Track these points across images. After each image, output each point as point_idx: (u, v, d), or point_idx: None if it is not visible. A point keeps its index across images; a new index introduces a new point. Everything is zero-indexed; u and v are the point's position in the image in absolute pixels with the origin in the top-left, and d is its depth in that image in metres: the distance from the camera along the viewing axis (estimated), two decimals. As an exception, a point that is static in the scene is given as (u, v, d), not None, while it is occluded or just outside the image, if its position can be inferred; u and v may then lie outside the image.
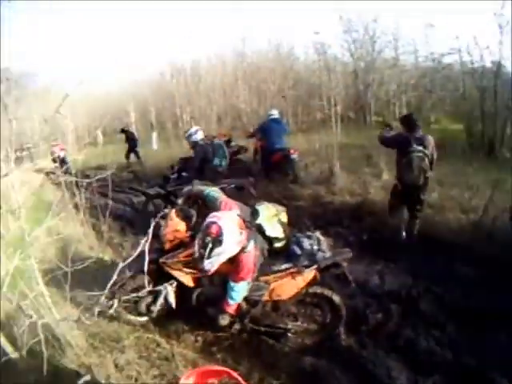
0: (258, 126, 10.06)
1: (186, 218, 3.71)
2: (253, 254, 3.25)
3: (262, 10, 35.30)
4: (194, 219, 3.67)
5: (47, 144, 13.54)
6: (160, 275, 3.61)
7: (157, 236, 3.84)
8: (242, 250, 3.21)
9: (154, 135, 17.19)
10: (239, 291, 3.31)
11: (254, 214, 3.62)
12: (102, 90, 24.55)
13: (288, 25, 34.16)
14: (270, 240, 3.58)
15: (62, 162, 11.28)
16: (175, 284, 3.58)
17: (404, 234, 5.71)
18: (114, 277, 2.67)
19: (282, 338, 3.62)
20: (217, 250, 3.06)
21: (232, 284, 3.27)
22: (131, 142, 14.93)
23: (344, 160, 8.70)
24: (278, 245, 3.63)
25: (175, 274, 3.50)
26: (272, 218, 3.66)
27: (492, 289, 4.33)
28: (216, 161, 6.84)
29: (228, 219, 3.15)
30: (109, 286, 2.77)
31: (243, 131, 14.15)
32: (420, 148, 5.18)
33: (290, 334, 3.61)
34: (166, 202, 6.60)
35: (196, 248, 3.16)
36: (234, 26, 36.07)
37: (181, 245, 3.55)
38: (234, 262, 3.23)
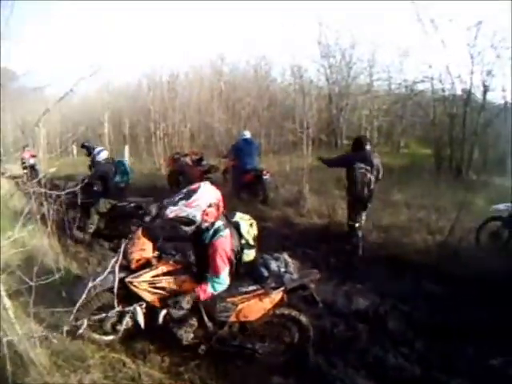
0: (232, 146, 10.12)
1: (152, 237, 3.67)
2: (229, 241, 3.31)
3: (241, 27, 35.43)
4: (161, 240, 3.66)
5: (18, 150, 13.18)
6: (125, 294, 3.55)
7: (124, 254, 3.85)
8: (216, 232, 3.30)
9: (126, 149, 17.00)
10: (221, 283, 3.31)
11: (231, 215, 3.63)
12: (77, 95, 24.20)
13: (267, 45, 34.37)
14: (240, 246, 3.50)
15: (32, 169, 11.13)
16: (144, 305, 3.53)
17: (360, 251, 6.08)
18: (83, 296, 2.76)
19: (250, 359, 3.59)
20: (184, 202, 3.26)
21: (213, 277, 3.28)
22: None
23: (313, 182, 8.80)
24: (247, 253, 3.54)
25: (141, 293, 3.45)
26: (247, 222, 3.64)
27: (458, 305, 4.50)
28: (117, 178, 7.23)
29: (211, 191, 3.39)
30: (77, 306, 2.85)
31: (215, 150, 14.19)
32: (362, 165, 5.89)
33: (257, 355, 3.58)
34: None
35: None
36: (213, 41, 35.96)
37: (147, 264, 3.53)
38: (209, 254, 3.29)
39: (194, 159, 11.10)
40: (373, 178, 5.95)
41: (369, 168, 5.90)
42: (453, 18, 13.00)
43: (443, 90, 13.78)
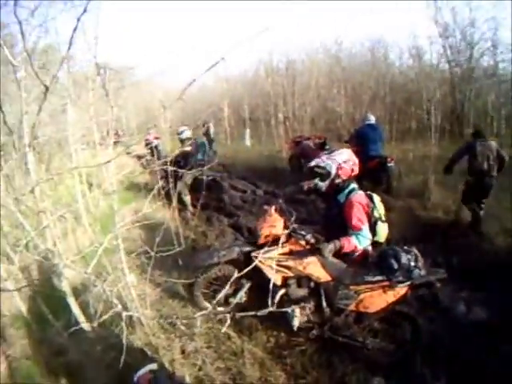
0: (354, 131, 9.96)
1: (285, 215, 3.79)
2: (365, 199, 3.57)
3: (355, 10, 34.50)
4: (293, 218, 3.72)
5: (142, 132, 14.32)
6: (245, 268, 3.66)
7: (253, 230, 4.24)
8: (351, 192, 3.59)
9: (247, 132, 17.77)
10: (365, 236, 3.47)
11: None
12: (196, 84, 25.46)
13: (382, 26, 33.18)
14: (374, 217, 3.62)
15: (156, 149, 12.20)
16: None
17: None
18: (227, 287, 2.68)
19: (357, 353, 3.56)
20: (326, 156, 3.69)
21: (356, 231, 3.44)
22: (209, 136, 15.12)
23: (439, 174, 8.22)
24: (380, 226, 3.65)
25: (265, 270, 3.52)
26: (378, 198, 3.77)
27: None
28: (199, 155, 8.00)
29: (350, 153, 3.72)
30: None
31: (337, 134, 14.21)
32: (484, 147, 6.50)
33: (366, 350, 3.55)
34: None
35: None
36: (327, 27, 35.48)
37: (275, 241, 3.55)
38: (346, 212, 3.52)
39: (317, 143, 11.05)
40: (496, 166, 6.43)
41: (491, 154, 6.43)
42: None
43: None
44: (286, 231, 3.63)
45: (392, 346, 3.58)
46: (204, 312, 3.15)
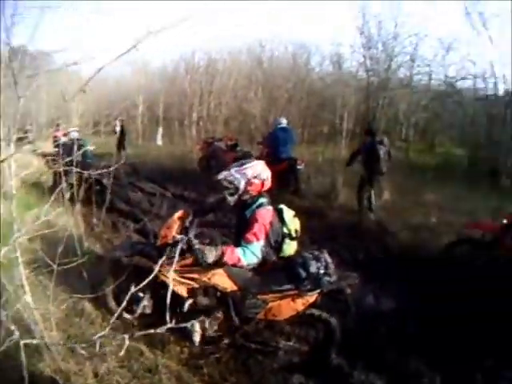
0: (268, 133, 9.99)
1: (184, 221, 3.64)
2: (271, 215, 3.34)
3: (279, 13, 35.06)
4: (189, 225, 3.60)
5: (51, 128, 13.42)
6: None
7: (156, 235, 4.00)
8: (260, 206, 3.35)
9: (160, 131, 17.24)
10: (254, 251, 3.25)
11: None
12: (113, 77, 24.39)
13: (306, 33, 33.99)
14: (282, 234, 3.49)
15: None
16: (206, 320, 3.46)
17: None
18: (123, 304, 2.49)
19: (272, 355, 3.50)
20: (235, 168, 3.44)
21: (247, 244, 3.25)
22: (123, 133, 14.83)
23: (347, 176, 8.64)
24: (288, 243, 3.50)
25: (169, 282, 3.24)
26: (290, 212, 3.62)
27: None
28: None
29: (262, 166, 3.50)
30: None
31: (250, 136, 14.19)
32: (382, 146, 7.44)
33: (280, 353, 3.49)
34: None
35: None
36: (252, 28, 35.77)
37: (174, 245, 3.38)
38: (249, 221, 3.32)
39: (229, 144, 11.02)
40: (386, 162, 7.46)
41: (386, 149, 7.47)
42: (501, 14, 12.62)
43: (485, 89, 13.43)
44: (180, 236, 3.39)
45: (306, 346, 3.53)
46: (103, 333, 2.71)
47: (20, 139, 3.79)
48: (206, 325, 3.39)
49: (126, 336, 2.07)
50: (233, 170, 3.47)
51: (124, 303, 2.24)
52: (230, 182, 3.43)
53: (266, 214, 3.33)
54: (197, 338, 3.38)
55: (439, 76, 17.00)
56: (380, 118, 16.21)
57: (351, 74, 18.16)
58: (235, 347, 3.53)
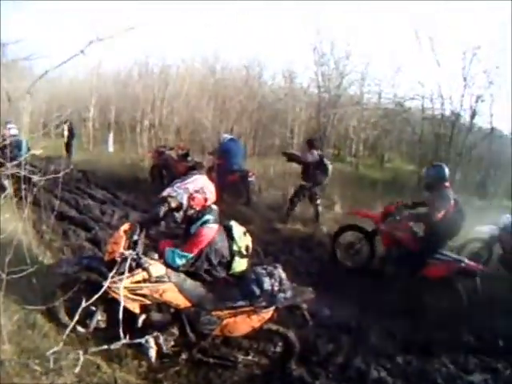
0: (219, 144, 9.98)
1: (132, 235, 3.52)
2: (212, 234, 3.36)
3: (236, 26, 35.26)
4: (137, 239, 3.48)
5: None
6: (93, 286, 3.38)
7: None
8: (205, 223, 3.37)
9: (111, 137, 16.79)
10: (182, 258, 3.34)
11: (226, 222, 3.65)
12: (66, 76, 23.65)
13: (259, 47, 34.36)
14: (231, 252, 3.51)
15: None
16: (160, 336, 3.41)
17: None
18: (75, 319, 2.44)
19: (232, 368, 3.50)
20: (178, 184, 3.48)
21: (180, 252, 3.32)
22: (71, 137, 14.56)
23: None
24: (238, 261, 3.53)
25: (121, 300, 3.10)
26: (240, 228, 3.65)
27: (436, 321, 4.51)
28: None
29: (204, 181, 3.57)
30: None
31: (201, 146, 14.09)
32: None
33: (239, 366, 3.49)
34: None
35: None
36: (207, 37, 35.87)
37: (115, 260, 3.35)
38: (192, 234, 3.37)
39: (180, 154, 10.89)
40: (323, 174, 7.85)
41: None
42: (450, 39, 13.17)
43: (432, 109, 14.03)
44: (127, 252, 3.31)
45: (265, 360, 3.57)
46: (56, 349, 2.59)
47: None
48: (161, 341, 3.33)
49: (81, 352, 2.11)
50: (175, 186, 3.49)
51: (76, 318, 2.28)
52: (173, 198, 3.42)
53: (207, 232, 3.37)
54: (152, 353, 3.31)
55: (389, 95, 17.59)
56: (330, 133, 16.53)
57: (303, 90, 18.42)
58: (194, 362, 3.49)
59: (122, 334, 2.38)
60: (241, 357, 3.48)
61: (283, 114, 17.44)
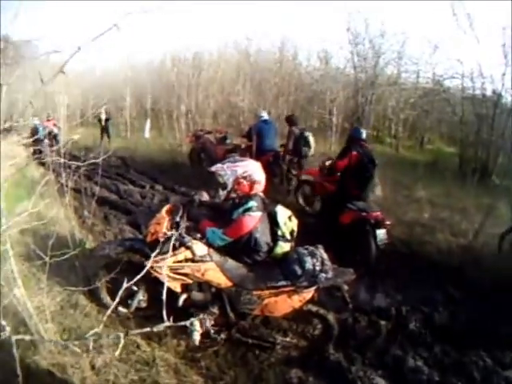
0: (251, 126, 9.99)
1: (173, 216, 3.59)
2: (253, 223, 3.37)
3: (269, 8, 34.88)
4: (180, 219, 3.55)
5: (38, 118, 13.22)
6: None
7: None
8: (247, 210, 3.37)
9: (148, 123, 17.01)
10: (222, 241, 3.39)
11: (272, 206, 3.64)
12: (99, 70, 24.09)
13: (293, 28, 33.89)
14: (275, 236, 3.53)
15: (54, 139, 11.18)
16: (206, 317, 3.47)
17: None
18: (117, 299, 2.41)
19: (269, 349, 3.53)
20: (228, 164, 3.52)
21: (220, 234, 3.38)
22: (107, 121, 15.21)
23: None
24: (281, 245, 3.54)
25: (162, 278, 3.27)
26: (286, 213, 3.63)
27: (477, 313, 4.37)
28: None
29: (255, 167, 3.56)
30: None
31: (238, 130, 14.08)
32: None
33: (277, 347, 3.51)
34: None
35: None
36: (239, 22, 35.64)
37: (158, 241, 3.41)
38: (233, 220, 3.40)
39: (218, 137, 10.99)
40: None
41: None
42: (489, 15, 12.57)
43: (473, 89, 13.40)
44: (170, 232, 3.39)
45: (303, 342, 3.61)
46: (96, 330, 2.61)
47: (6, 130, 3.73)
48: (207, 323, 3.37)
49: (121, 334, 2.07)
50: (225, 165, 3.51)
51: (118, 298, 2.21)
52: (221, 176, 3.49)
53: (248, 221, 3.36)
54: (197, 336, 3.35)
55: (427, 74, 16.96)
56: (369, 113, 16.22)
57: (339, 70, 18.05)
58: (232, 342, 3.54)
59: (165, 316, 2.36)
60: (279, 338, 3.51)
61: (320, 95, 17.12)
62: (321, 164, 7.09)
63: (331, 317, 3.45)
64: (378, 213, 5.51)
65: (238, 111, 16.30)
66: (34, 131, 10.99)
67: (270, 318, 3.50)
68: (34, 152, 7.40)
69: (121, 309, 3.74)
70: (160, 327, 2.39)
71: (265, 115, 9.38)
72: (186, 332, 3.40)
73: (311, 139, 8.28)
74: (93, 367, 3.11)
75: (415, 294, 4.74)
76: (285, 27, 33.59)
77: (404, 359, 3.63)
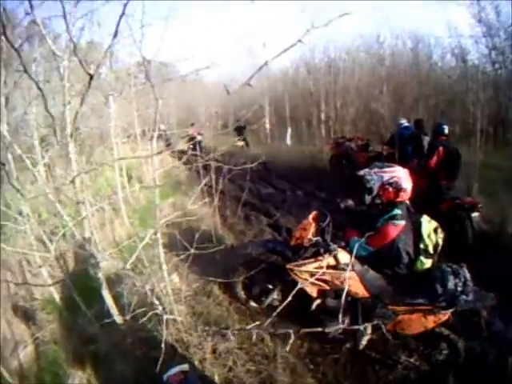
0: (392, 133, 9.97)
1: (320, 223, 3.70)
2: (396, 232, 3.34)
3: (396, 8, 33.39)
4: (326, 226, 3.65)
5: (182, 128, 14.59)
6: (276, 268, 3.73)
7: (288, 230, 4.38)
8: (392, 218, 3.37)
9: (289, 131, 17.65)
10: (365, 252, 3.37)
11: (418, 216, 3.54)
12: (238, 80, 25.33)
13: (424, 25, 31.98)
14: (417, 250, 3.42)
15: (199, 144, 12.28)
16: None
17: None
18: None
19: (390, 366, 3.44)
20: (376, 169, 3.57)
21: (364, 244, 3.34)
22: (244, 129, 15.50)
23: (483, 182, 7.93)
24: (422, 260, 3.42)
25: (301, 282, 3.33)
26: (431, 225, 3.49)
27: None
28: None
29: (402, 173, 3.54)
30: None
31: (379, 136, 14.00)
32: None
33: (399, 367, 3.42)
34: None
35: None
36: (366, 25, 34.68)
37: (309, 247, 3.53)
38: (378, 228, 3.40)
39: (360, 144, 11.07)
40: None
41: None
42: None
43: None
44: (315, 239, 3.52)
45: (426, 366, 3.45)
46: (241, 327, 3.14)
47: (159, 137, 4.36)
48: (383, 329, 3.23)
49: (291, 331, 2.31)
50: (373, 170, 3.56)
51: (256, 293, 2.42)
52: (368, 181, 3.52)
53: (392, 230, 3.33)
54: (364, 341, 3.41)
55: None
56: (512, 115, 14.56)
57: (476, 68, 16.36)
58: (355, 353, 3.51)
59: (340, 319, 2.55)
60: (403, 357, 3.43)
61: (459, 96, 15.75)
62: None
63: (461, 344, 3.30)
64: (470, 198, 5.77)
65: (376, 117, 15.71)
66: (191, 139, 12.45)
67: (399, 335, 3.42)
68: (179, 157, 8.49)
69: (252, 303, 4.06)
70: (333, 328, 2.74)
71: (405, 122, 9.40)
72: (313, 335, 3.51)
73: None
74: (214, 351, 3.34)
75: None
76: (412, 25, 32.02)
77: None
